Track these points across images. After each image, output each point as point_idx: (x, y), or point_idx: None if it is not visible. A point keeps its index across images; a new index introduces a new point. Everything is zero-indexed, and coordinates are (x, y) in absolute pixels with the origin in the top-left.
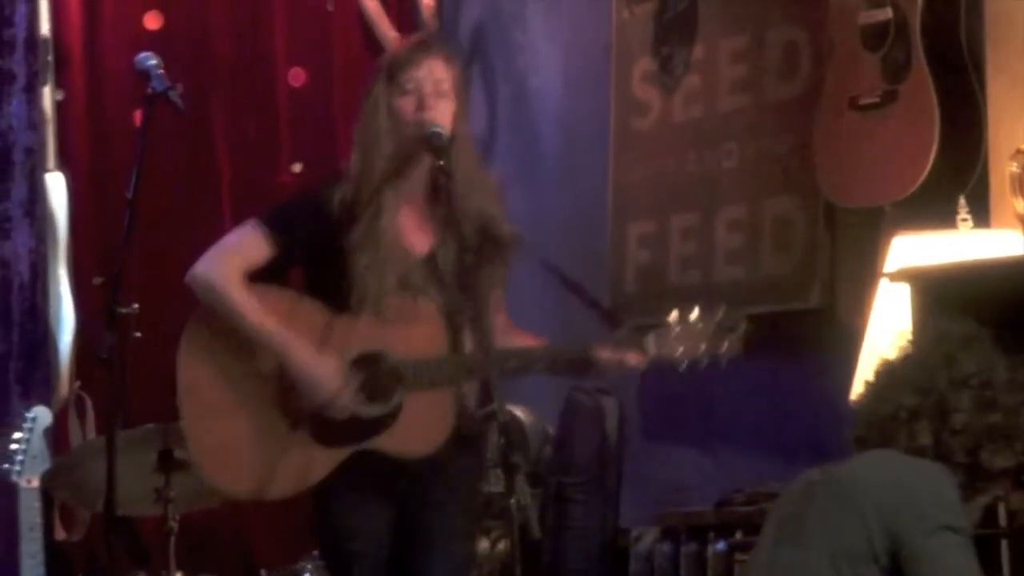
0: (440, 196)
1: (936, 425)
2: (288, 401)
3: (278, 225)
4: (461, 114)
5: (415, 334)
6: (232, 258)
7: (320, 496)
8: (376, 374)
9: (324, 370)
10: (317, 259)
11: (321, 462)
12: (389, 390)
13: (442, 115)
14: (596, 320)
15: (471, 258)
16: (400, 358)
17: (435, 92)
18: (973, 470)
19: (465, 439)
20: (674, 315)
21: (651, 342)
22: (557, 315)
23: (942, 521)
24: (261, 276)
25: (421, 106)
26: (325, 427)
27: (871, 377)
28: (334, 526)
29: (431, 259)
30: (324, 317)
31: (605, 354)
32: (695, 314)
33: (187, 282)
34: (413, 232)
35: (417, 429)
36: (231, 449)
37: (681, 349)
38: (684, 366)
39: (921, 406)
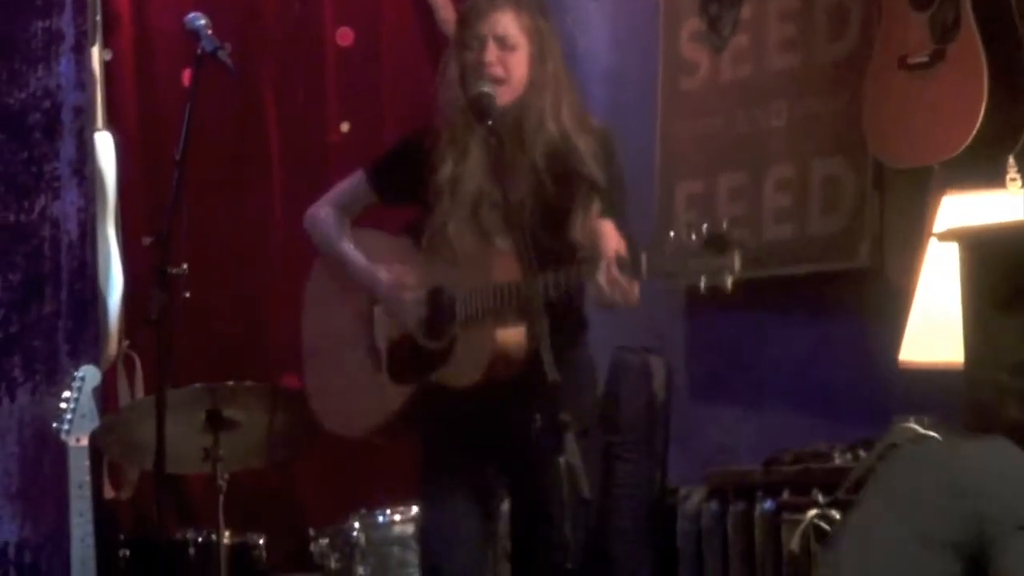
0: (497, 155)
1: None
2: (372, 339)
3: (378, 174)
4: (540, 59)
5: (483, 271)
6: (334, 203)
7: (425, 443)
8: (437, 310)
9: (383, 272)
10: (415, 201)
11: (394, 398)
12: (446, 325)
13: (505, 70)
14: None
15: (554, 204)
16: (455, 293)
17: (498, 47)
18: None
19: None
20: (671, 234)
21: (643, 262)
22: None
23: None
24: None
25: (480, 63)
26: (397, 364)
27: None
28: (432, 463)
29: (512, 204)
30: (407, 254)
31: (601, 276)
32: (691, 232)
33: (303, 224)
34: (495, 178)
35: (465, 361)
36: (332, 386)
37: (669, 266)
38: (681, 283)
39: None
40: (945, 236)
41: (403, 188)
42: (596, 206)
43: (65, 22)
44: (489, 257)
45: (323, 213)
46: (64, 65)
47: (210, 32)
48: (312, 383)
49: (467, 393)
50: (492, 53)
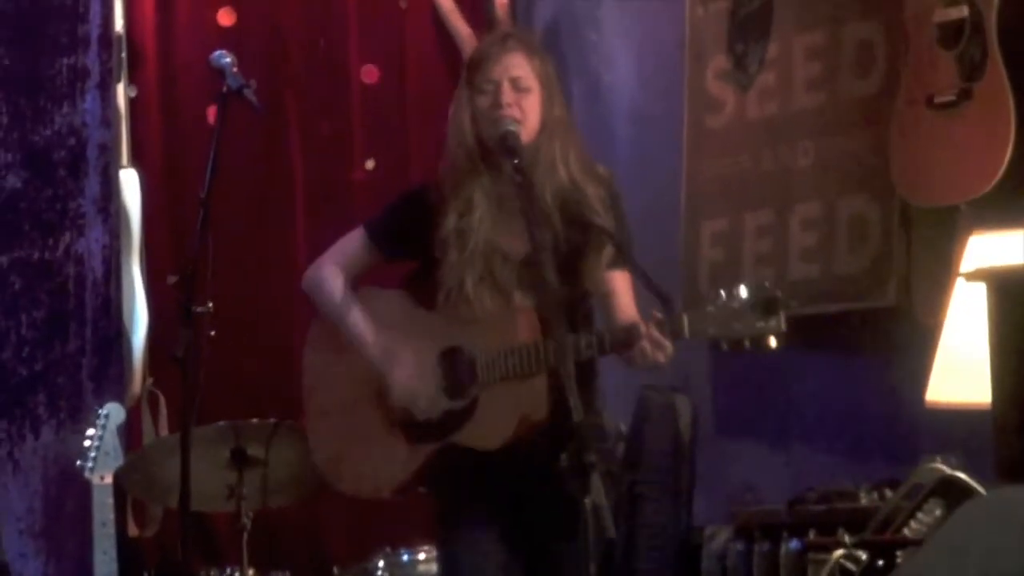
0: (521, 194)
1: None
2: (384, 400)
3: (380, 231)
4: (550, 103)
5: (505, 331)
6: (337, 263)
7: (437, 495)
8: (456, 370)
9: (404, 379)
10: (420, 256)
11: (412, 459)
12: (466, 385)
13: (521, 112)
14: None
15: (565, 249)
16: (475, 352)
17: (513, 89)
18: None
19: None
20: (716, 294)
21: (686, 323)
22: None
23: None
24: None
25: (497, 105)
26: (413, 426)
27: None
28: (448, 524)
29: (528, 259)
30: (417, 314)
31: (644, 335)
32: (733, 293)
33: (302, 286)
34: (508, 233)
35: (488, 423)
36: (341, 447)
37: (712, 330)
38: (724, 347)
39: None
40: (973, 276)
41: (406, 243)
42: (607, 253)
43: (90, 59)
44: (511, 316)
45: (327, 277)
46: (89, 102)
47: (235, 70)
48: (319, 444)
49: (492, 453)
50: (509, 95)
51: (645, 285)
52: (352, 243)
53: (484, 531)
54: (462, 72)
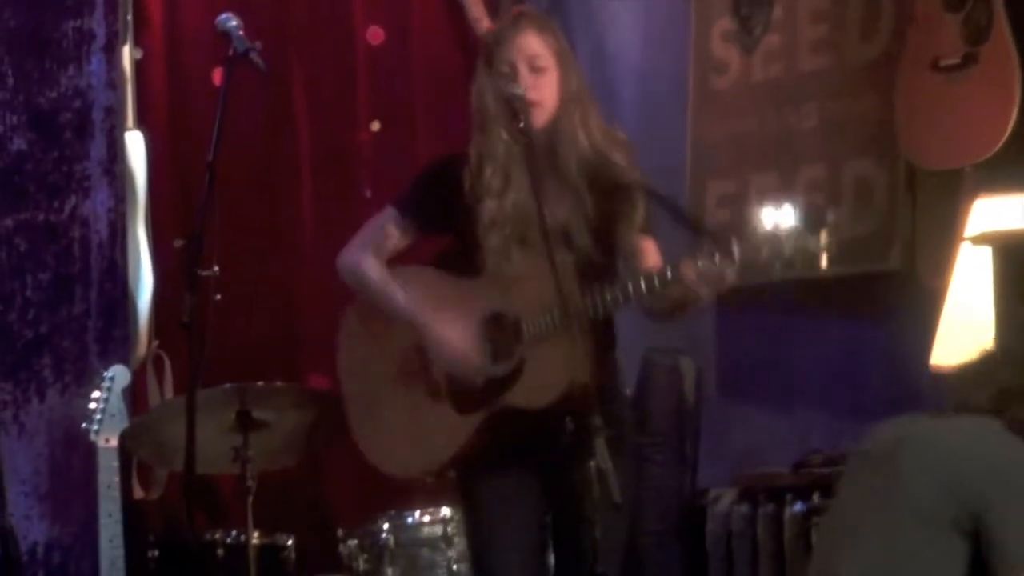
0: (533, 158)
1: None
2: (428, 374)
3: (411, 209)
4: (567, 78)
5: (544, 290)
6: (370, 245)
7: (466, 465)
8: (500, 333)
9: (453, 342)
10: (455, 225)
11: (462, 428)
12: (512, 347)
13: (539, 90)
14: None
15: (593, 211)
16: (517, 314)
17: (530, 70)
18: None
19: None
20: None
21: (736, 247)
22: None
23: None
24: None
25: (515, 85)
26: (460, 394)
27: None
28: (479, 490)
29: (561, 221)
30: (455, 284)
31: (693, 269)
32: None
33: (337, 269)
34: (544, 196)
35: (538, 381)
36: (385, 429)
37: (765, 250)
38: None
39: None
40: (978, 240)
41: (442, 216)
42: (640, 213)
43: (96, 21)
44: (548, 276)
45: (365, 264)
46: (95, 64)
47: (241, 33)
48: (363, 430)
49: (539, 412)
50: (527, 77)
51: (684, 223)
52: (384, 224)
53: (507, 480)
54: (479, 55)
